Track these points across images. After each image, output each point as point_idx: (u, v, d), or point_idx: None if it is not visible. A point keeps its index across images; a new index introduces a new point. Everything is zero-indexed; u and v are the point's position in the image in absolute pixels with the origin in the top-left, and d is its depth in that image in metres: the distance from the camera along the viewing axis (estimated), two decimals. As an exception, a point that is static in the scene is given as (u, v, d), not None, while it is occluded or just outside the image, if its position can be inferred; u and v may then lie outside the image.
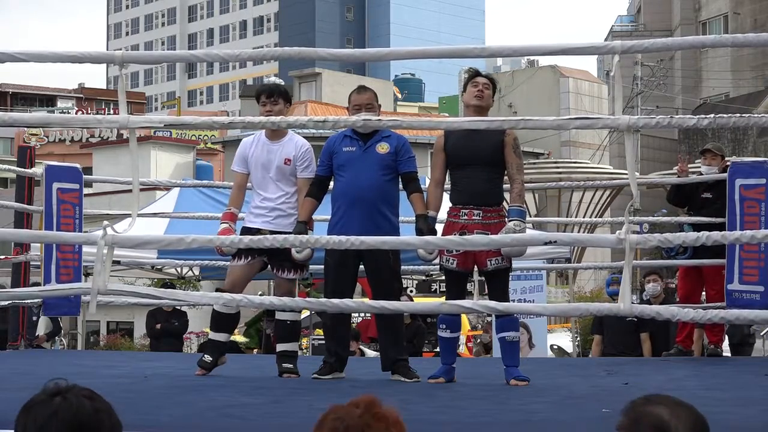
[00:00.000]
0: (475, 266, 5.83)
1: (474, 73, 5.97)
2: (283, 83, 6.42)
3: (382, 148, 6.06)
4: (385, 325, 6.10)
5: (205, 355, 6.28)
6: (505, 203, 5.89)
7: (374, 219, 5.97)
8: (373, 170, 6.01)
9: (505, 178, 5.93)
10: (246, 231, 6.13)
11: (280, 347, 6.26)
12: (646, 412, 2.26)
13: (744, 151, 32.83)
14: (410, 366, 6.04)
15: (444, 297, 6.22)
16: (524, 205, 5.82)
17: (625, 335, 9.33)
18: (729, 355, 10.11)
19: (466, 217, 5.75)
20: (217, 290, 6.03)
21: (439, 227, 6.01)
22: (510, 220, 5.66)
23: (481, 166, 5.76)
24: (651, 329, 9.29)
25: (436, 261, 6.01)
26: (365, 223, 5.90)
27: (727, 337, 10.45)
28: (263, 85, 6.39)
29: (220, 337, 6.31)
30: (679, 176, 8.41)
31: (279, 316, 6.29)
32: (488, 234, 5.50)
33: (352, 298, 6.10)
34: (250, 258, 6.17)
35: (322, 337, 12.47)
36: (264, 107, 6.19)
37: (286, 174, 6.21)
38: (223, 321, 6.30)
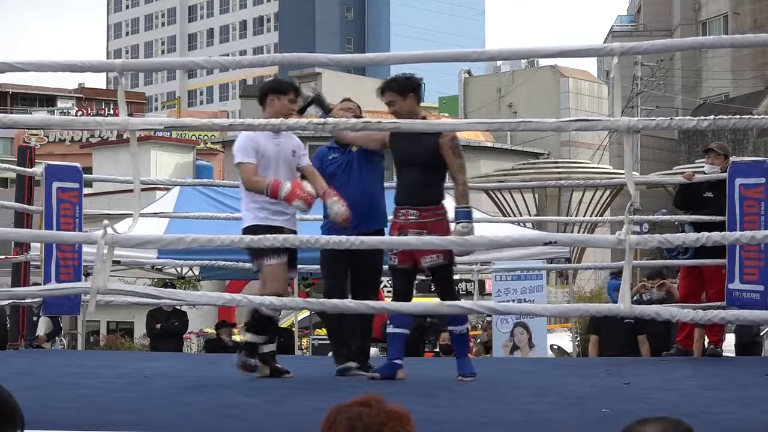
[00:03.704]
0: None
1: (379, 92, 6.06)
2: None
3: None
4: (361, 323, 6.30)
5: (250, 359, 5.97)
6: (445, 202, 6.00)
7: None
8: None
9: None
10: (270, 229, 5.74)
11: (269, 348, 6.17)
12: (634, 430, 2.27)
13: (744, 151, 32.81)
14: (369, 363, 6.32)
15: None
16: (470, 205, 5.91)
17: (623, 336, 9.31)
18: (733, 355, 10.10)
19: (403, 218, 5.93)
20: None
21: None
22: (457, 223, 5.79)
23: (418, 167, 5.91)
24: (649, 330, 9.28)
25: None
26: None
27: (735, 336, 10.45)
28: (292, 81, 6.30)
29: (271, 346, 6.10)
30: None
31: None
32: (424, 232, 5.73)
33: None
34: (285, 257, 5.96)
35: (323, 336, 12.52)
36: (292, 104, 6.07)
37: (293, 167, 6.13)
38: (269, 326, 6.07)
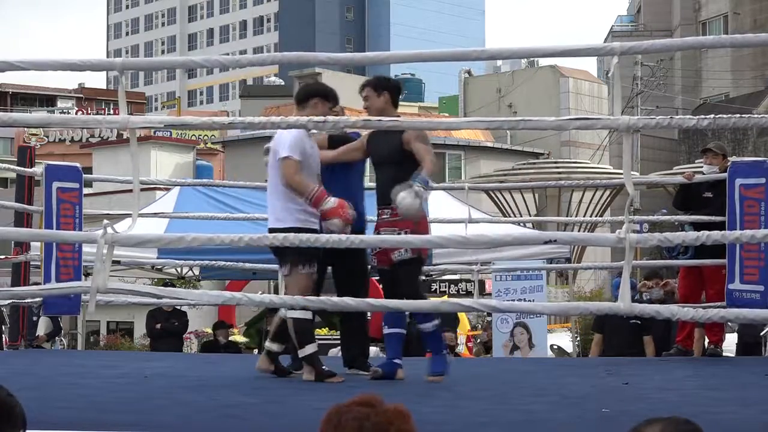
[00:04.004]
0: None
1: (360, 89, 6.12)
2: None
3: None
4: (351, 323, 6.35)
5: (325, 367, 5.85)
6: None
7: None
8: None
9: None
10: (312, 233, 5.50)
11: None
12: (639, 430, 2.27)
13: (744, 151, 32.81)
14: (368, 361, 6.32)
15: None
16: (430, 178, 5.77)
17: (626, 336, 9.29)
18: (733, 355, 10.09)
19: (379, 217, 6.02)
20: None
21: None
22: (413, 182, 5.63)
23: (389, 165, 5.98)
24: (653, 331, 9.26)
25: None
26: None
27: (738, 336, 10.43)
28: (335, 92, 6.13)
29: (315, 347, 5.93)
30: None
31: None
32: (396, 230, 5.80)
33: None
34: (315, 266, 5.87)
35: (323, 336, 12.52)
36: (331, 112, 5.92)
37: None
38: (311, 329, 5.97)
